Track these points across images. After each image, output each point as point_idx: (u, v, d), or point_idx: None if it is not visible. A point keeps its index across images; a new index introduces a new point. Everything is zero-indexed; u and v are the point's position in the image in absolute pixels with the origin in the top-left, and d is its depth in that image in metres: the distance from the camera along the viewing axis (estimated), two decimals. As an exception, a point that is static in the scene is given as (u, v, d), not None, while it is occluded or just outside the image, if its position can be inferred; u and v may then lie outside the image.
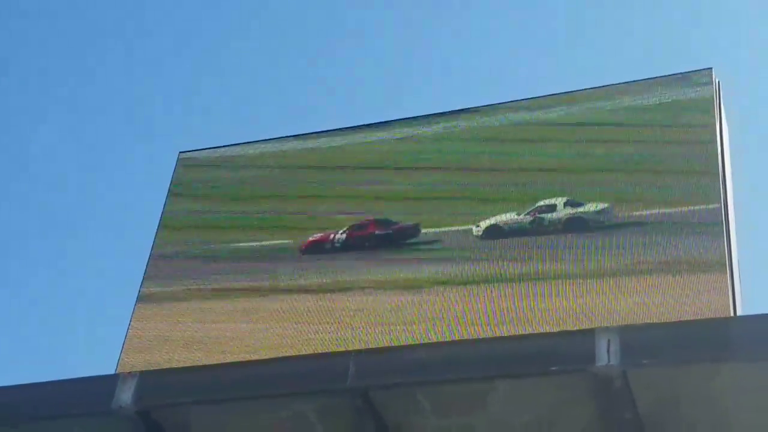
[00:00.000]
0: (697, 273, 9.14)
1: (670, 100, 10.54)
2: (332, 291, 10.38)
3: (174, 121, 24.65)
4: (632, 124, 10.66)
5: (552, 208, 9.89)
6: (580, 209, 9.82)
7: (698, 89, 10.40)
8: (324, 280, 10.50)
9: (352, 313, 10.12)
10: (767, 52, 23.49)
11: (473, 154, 11.06)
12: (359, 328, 9.98)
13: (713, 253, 9.17)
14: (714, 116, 10.11)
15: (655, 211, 9.76)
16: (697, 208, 9.54)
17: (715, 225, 9.33)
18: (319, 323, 10.19)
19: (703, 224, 9.40)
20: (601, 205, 9.85)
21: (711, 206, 9.46)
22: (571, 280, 9.55)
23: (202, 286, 10.98)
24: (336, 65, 24.88)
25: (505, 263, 9.92)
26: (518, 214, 10.02)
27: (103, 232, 24.35)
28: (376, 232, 10.54)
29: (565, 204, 9.82)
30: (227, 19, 25.13)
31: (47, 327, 23.26)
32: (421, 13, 24.59)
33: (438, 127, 11.36)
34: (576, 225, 9.80)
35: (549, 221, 9.81)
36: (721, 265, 9.10)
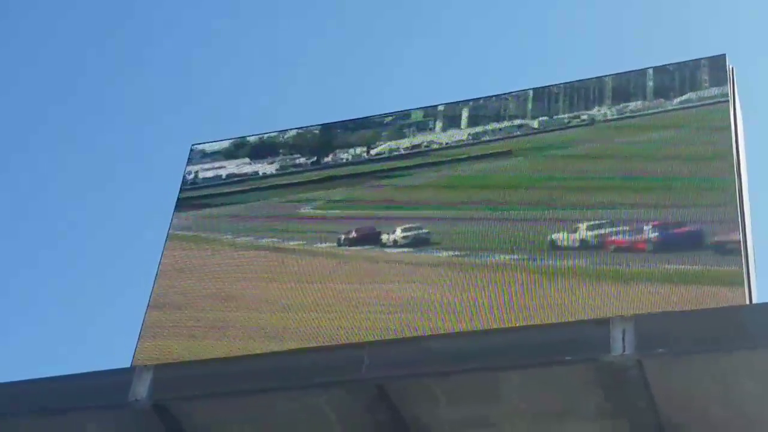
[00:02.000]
0: (713, 262, 9.08)
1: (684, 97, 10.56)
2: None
3: (184, 117, 24.73)
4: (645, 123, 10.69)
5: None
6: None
7: (712, 89, 10.39)
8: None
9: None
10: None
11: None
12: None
13: (729, 241, 9.11)
14: (729, 116, 10.00)
15: (669, 201, 9.72)
16: (711, 198, 9.46)
17: (731, 217, 9.24)
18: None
19: (718, 213, 9.33)
20: None
21: (726, 197, 9.36)
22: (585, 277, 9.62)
23: (218, 269, 11.26)
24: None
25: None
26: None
27: (117, 227, 24.48)
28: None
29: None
30: (230, 15, 25.19)
31: (63, 321, 23.40)
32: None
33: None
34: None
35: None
36: (737, 251, 9.06)
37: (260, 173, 12.43)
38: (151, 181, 22.78)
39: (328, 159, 12.15)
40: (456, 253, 10.45)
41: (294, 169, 12.34)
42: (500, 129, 11.45)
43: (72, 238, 23.91)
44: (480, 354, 8.62)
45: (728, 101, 10.11)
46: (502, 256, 10.19)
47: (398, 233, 10.96)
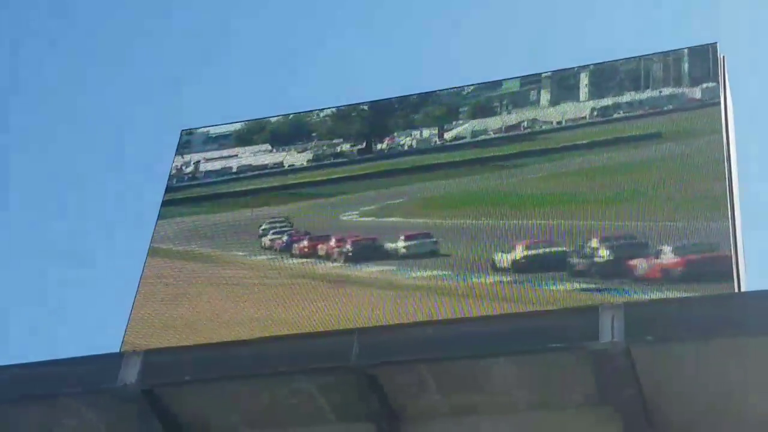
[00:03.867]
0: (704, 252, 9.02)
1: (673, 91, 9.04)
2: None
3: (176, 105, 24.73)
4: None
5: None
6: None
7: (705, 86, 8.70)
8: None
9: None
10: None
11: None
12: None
13: (718, 231, 9.06)
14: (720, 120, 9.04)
15: (662, 196, 9.26)
16: (702, 191, 9.25)
17: (721, 206, 9.08)
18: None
19: (708, 204, 9.25)
20: None
21: (716, 189, 9.09)
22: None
23: (205, 258, 10.70)
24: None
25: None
26: None
27: (109, 215, 24.52)
28: None
29: None
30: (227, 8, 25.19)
31: (57, 306, 23.40)
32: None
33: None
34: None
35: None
36: (726, 242, 9.04)
37: (286, 165, 9.61)
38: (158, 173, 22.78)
39: (383, 145, 9.20)
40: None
41: (334, 160, 9.29)
42: (641, 101, 8.42)
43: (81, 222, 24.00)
44: (470, 341, 8.61)
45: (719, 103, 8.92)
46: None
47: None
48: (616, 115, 8.52)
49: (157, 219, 11.30)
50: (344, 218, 9.06)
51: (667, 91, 8.52)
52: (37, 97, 24.81)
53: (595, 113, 8.58)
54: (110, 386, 9.26)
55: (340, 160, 9.30)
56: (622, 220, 8.30)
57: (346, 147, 9.29)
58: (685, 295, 8.48)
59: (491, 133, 8.77)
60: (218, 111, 23.07)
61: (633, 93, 8.60)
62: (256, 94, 24.46)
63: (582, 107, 8.61)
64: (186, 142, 11.24)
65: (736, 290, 8.80)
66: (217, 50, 25.06)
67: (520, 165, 8.50)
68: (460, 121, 8.85)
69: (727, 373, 8.14)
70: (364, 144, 9.29)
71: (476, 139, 8.77)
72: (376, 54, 25.12)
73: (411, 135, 9.06)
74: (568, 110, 8.63)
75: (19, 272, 23.33)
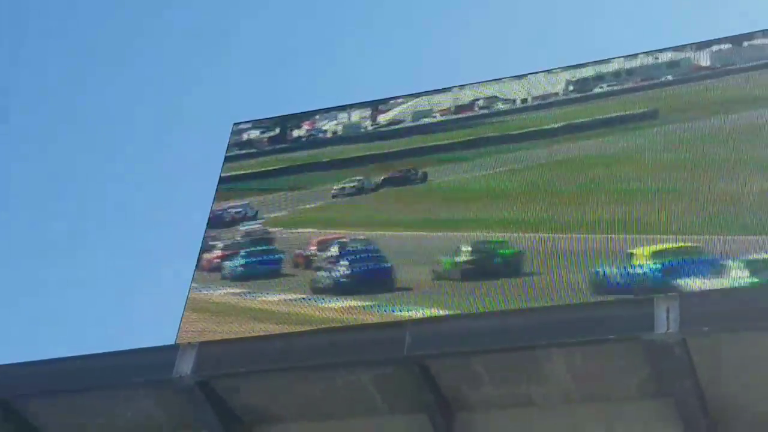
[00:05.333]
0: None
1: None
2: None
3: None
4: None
5: None
6: None
7: None
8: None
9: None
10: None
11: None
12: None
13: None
14: None
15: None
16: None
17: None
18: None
19: None
20: None
21: None
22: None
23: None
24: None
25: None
26: None
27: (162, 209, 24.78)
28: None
29: None
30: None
31: (113, 300, 23.68)
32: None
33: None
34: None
35: None
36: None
37: None
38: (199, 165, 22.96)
39: (300, 132, 7.55)
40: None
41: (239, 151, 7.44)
42: (631, 70, 6.74)
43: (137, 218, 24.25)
44: (523, 332, 8.56)
45: None
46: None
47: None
48: (596, 90, 6.61)
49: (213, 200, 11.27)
50: (242, 228, 7.68)
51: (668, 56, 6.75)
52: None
53: (571, 87, 6.79)
54: (166, 377, 9.36)
55: (247, 150, 7.74)
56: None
57: (255, 134, 7.73)
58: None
59: (437, 115, 7.22)
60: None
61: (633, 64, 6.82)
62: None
63: (555, 80, 6.75)
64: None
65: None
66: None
67: (468, 159, 6.96)
68: (400, 99, 7.26)
69: (785, 363, 8.01)
70: (278, 130, 7.74)
71: (418, 122, 7.21)
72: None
73: (337, 118, 7.45)
74: (537, 84, 6.85)
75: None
